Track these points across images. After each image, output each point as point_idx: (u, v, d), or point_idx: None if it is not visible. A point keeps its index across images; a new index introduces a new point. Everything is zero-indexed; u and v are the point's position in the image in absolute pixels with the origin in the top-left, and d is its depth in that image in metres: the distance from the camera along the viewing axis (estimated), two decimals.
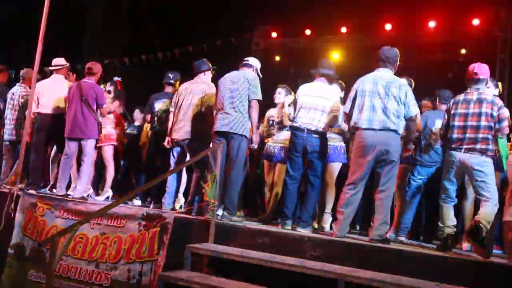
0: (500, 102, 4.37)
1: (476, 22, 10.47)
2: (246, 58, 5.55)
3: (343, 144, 5.55)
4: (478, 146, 4.29)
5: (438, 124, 5.21)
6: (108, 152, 6.84)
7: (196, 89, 5.63)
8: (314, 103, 5.05)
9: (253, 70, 5.39)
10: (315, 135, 4.99)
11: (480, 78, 4.45)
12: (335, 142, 5.49)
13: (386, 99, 4.46)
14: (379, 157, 4.46)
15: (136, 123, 7.93)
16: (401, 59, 4.76)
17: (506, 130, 4.39)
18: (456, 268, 3.73)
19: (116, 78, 7.06)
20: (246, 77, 5.14)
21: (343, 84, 5.73)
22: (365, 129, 4.51)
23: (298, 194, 5.22)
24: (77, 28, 13.47)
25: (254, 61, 5.52)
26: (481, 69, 4.48)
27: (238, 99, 5.08)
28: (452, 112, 4.49)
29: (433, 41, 10.74)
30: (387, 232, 4.52)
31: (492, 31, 10.48)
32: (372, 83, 4.55)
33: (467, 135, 4.34)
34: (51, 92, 6.39)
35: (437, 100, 5.52)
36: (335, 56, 11.85)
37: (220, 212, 4.91)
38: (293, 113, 5.21)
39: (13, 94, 6.83)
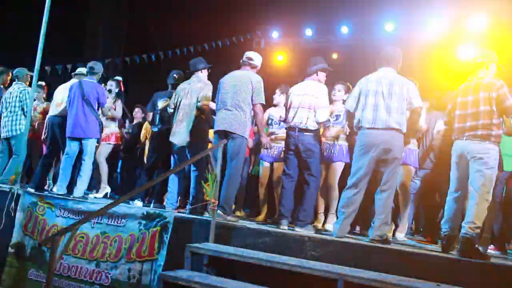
0: (498, 83, 4.17)
1: (479, 21, 10.46)
2: (248, 56, 5.43)
3: (346, 143, 5.54)
4: (479, 132, 4.13)
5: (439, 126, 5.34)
6: (103, 151, 6.85)
7: (193, 89, 5.64)
8: (300, 101, 5.09)
9: (255, 68, 5.36)
10: (306, 133, 5.01)
11: (477, 61, 4.36)
12: (337, 141, 5.48)
13: (389, 98, 4.45)
14: (381, 156, 4.45)
15: (135, 122, 7.94)
16: (402, 59, 4.76)
17: None
18: (456, 269, 3.73)
19: (118, 78, 7.09)
20: (250, 80, 5.15)
21: (350, 86, 5.69)
22: (368, 128, 4.50)
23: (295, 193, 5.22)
24: (77, 27, 13.47)
25: (256, 59, 5.41)
26: (481, 53, 4.40)
27: (241, 100, 5.12)
28: (457, 100, 4.40)
29: (434, 41, 10.74)
30: (387, 232, 4.51)
31: (494, 30, 10.47)
32: (376, 83, 4.54)
33: (468, 123, 4.22)
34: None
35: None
36: (334, 57, 11.89)
37: None
38: (285, 113, 5.25)
39: (10, 92, 6.87)
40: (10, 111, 6.78)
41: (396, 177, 4.53)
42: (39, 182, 6.32)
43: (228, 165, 5.13)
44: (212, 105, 5.59)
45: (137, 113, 8.06)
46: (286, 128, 5.27)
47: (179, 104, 5.66)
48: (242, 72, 5.32)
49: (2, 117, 6.93)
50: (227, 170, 5.14)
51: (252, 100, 5.14)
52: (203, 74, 5.80)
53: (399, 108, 4.43)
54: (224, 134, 5.11)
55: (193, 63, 5.84)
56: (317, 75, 5.24)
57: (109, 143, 6.92)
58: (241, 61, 5.43)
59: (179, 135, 5.57)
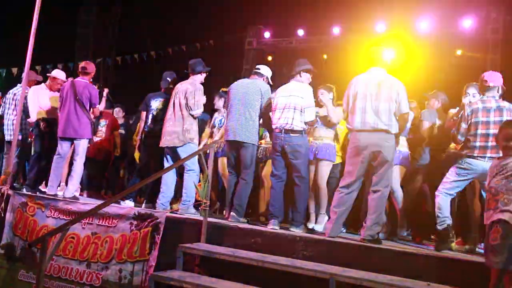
0: None
1: (468, 23, 10.55)
2: (257, 66, 5.70)
3: (334, 143, 5.54)
4: (501, 154, 4.31)
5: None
6: None
7: (181, 89, 5.71)
8: (286, 102, 5.10)
9: (264, 80, 5.54)
10: (292, 134, 5.02)
11: (490, 86, 4.47)
12: (324, 140, 5.48)
13: (377, 100, 4.49)
14: (371, 158, 4.49)
15: (119, 122, 7.92)
16: (393, 60, 4.79)
17: None
18: (448, 268, 3.75)
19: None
20: (260, 88, 5.34)
21: (332, 87, 5.73)
22: (357, 131, 4.55)
23: (285, 193, 5.24)
24: (69, 26, 13.40)
25: (265, 70, 5.64)
26: (491, 77, 4.51)
27: (250, 108, 5.27)
28: (473, 120, 4.44)
29: (425, 42, 10.81)
30: (378, 232, 4.53)
31: (484, 32, 10.57)
32: (364, 85, 4.58)
33: (490, 143, 4.33)
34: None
35: (439, 102, 5.58)
36: (325, 57, 11.96)
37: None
38: (272, 115, 5.30)
39: (14, 94, 6.80)
40: (14, 114, 6.70)
41: (389, 178, 4.54)
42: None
43: (243, 171, 5.29)
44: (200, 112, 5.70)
45: (118, 112, 8.03)
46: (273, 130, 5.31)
47: (170, 104, 5.74)
48: (251, 80, 5.51)
49: (4, 119, 6.86)
50: (242, 176, 5.28)
51: (261, 108, 5.31)
52: (199, 77, 5.86)
53: (387, 109, 4.47)
54: (235, 144, 5.27)
55: (192, 64, 5.88)
56: (300, 76, 5.26)
57: None
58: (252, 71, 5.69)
59: (166, 135, 5.62)
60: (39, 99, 6.46)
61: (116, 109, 8.07)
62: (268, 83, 5.60)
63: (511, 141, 3.38)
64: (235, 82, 5.54)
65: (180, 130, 5.57)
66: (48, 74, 6.87)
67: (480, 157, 4.35)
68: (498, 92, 4.53)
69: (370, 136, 4.48)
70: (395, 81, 4.57)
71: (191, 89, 5.63)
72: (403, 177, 5.36)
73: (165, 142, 5.64)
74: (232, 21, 12.35)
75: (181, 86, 5.73)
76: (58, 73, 6.75)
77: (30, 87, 6.57)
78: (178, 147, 5.56)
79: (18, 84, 6.98)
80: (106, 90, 7.31)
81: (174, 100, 5.69)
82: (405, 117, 4.55)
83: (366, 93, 4.54)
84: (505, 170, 3.36)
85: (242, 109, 5.30)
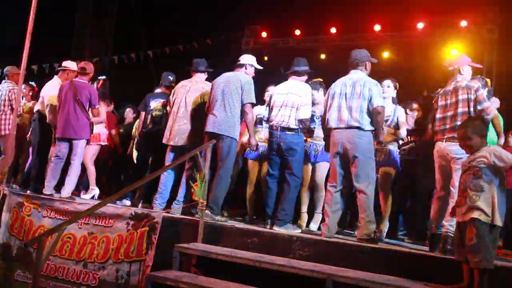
0: (476, 85, 4.30)
1: (464, 23, 10.58)
2: (239, 58, 5.58)
3: None
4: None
5: None
6: (90, 152, 6.78)
7: (194, 87, 5.68)
8: (284, 100, 5.12)
9: (246, 68, 5.44)
10: (288, 132, 5.03)
11: (449, 70, 4.56)
12: (323, 141, 5.48)
13: (351, 98, 4.58)
14: (345, 154, 4.55)
15: (126, 122, 7.89)
16: (389, 60, 4.82)
17: (490, 110, 4.24)
18: (444, 268, 3.76)
19: (100, 77, 7.02)
20: (240, 80, 5.22)
21: (321, 81, 5.77)
22: (334, 128, 4.66)
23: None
24: (65, 25, 13.35)
25: (246, 59, 5.54)
26: (450, 61, 4.60)
27: (229, 101, 5.17)
28: (435, 106, 4.57)
29: (421, 42, 10.83)
30: (374, 231, 4.53)
31: (480, 32, 10.60)
32: (341, 86, 4.70)
33: (447, 125, 4.36)
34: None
35: None
36: (322, 57, 11.96)
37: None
38: (268, 113, 5.29)
39: None
40: (4, 113, 6.72)
41: (369, 174, 4.49)
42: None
43: (218, 165, 5.14)
44: None
45: (128, 113, 8.02)
46: (268, 127, 5.30)
47: (179, 101, 5.66)
48: (232, 73, 5.40)
49: None
50: (217, 170, 5.14)
51: (242, 100, 5.17)
52: (203, 76, 5.87)
53: (358, 107, 4.52)
54: (213, 136, 5.14)
55: (196, 62, 5.90)
56: (304, 76, 5.30)
57: (93, 144, 6.84)
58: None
59: (179, 133, 5.55)
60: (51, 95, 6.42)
61: (127, 110, 8.05)
62: (256, 68, 5.51)
63: (467, 140, 3.40)
64: (219, 76, 5.43)
65: (196, 128, 5.51)
66: (59, 68, 6.84)
67: (440, 140, 4.41)
68: (461, 73, 4.50)
69: (343, 133, 4.56)
70: (369, 80, 4.62)
71: (207, 88, 5.61)
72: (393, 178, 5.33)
73: (178, 141, 5.53)
74: (229, 21, 12.33)
75: (193, 85, 5.69)
76: (68, 64, 6.70)
77: (16, 82, 6.59)
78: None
79: (3, 81, 7.00)
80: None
81: (185, 99, 5.62)
82: (379, 110, 4.52)
83: (341, 92, 4.65)
84: (472, 167, 3.38)
85: (221, 102, 5.19)
